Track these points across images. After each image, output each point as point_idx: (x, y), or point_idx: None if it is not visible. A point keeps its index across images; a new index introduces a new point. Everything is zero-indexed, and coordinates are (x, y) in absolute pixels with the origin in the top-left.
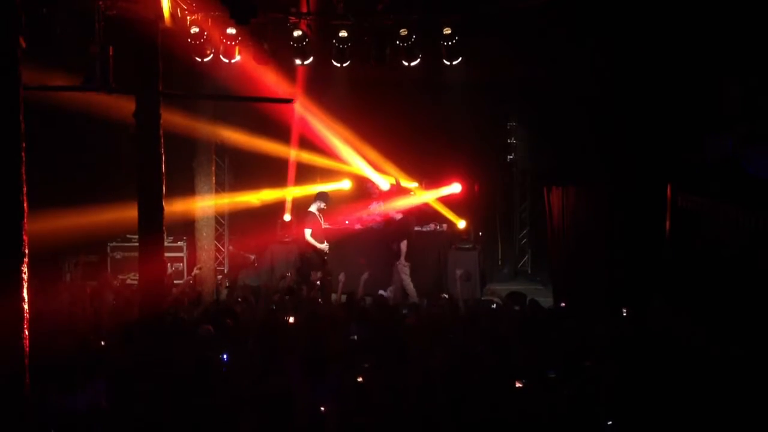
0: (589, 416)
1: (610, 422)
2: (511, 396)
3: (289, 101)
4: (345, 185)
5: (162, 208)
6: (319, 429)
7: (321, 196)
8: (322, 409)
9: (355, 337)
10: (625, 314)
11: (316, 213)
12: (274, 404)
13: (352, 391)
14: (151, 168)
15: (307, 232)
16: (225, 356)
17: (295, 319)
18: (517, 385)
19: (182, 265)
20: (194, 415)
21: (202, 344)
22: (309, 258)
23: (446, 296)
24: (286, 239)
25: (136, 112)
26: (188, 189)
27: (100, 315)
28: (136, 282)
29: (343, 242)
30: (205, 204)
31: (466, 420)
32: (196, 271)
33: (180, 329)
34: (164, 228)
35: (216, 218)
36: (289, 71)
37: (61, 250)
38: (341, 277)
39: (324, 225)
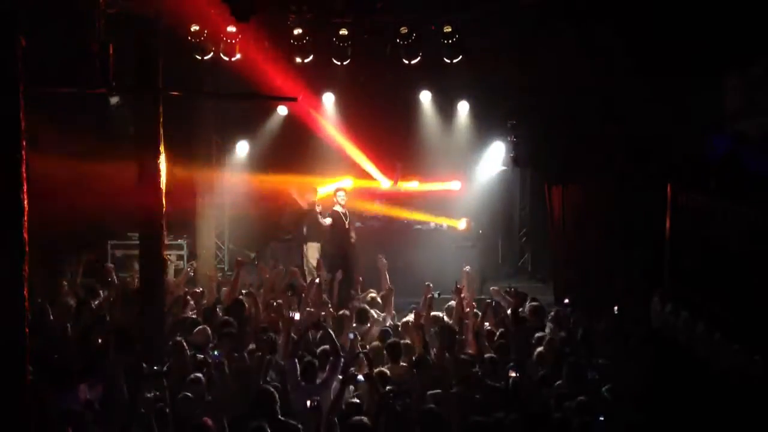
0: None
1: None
2: (510, 396)
3: (292, 99)
4: (347, 183)
5: (162, 206)
6: (315, 426)
7: (338, 191)
8: (308, 403)
9: (354, 335)
10: (617, 311)
11: (341, 211)
12: (272, 401)
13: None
14: (151, 166)
15: (327, 221)
16: (217, 353)
17: (300, 316)
18: (512, 374)
19: (183, 264)
20: (190, 414)
21: (199, 343)
22: (352, 257)
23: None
24: (287, 237)
25: (136, 110)
26: (189, 186)
27: (101, 313)
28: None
29: None
30: (206, 202)
31: (466, 419)
32: (189, 270)
33: (181, 328)
34: (165, 225)
35: (216, 216)
36: (289, 69)
37: (62, 249)
38: (339, 275)
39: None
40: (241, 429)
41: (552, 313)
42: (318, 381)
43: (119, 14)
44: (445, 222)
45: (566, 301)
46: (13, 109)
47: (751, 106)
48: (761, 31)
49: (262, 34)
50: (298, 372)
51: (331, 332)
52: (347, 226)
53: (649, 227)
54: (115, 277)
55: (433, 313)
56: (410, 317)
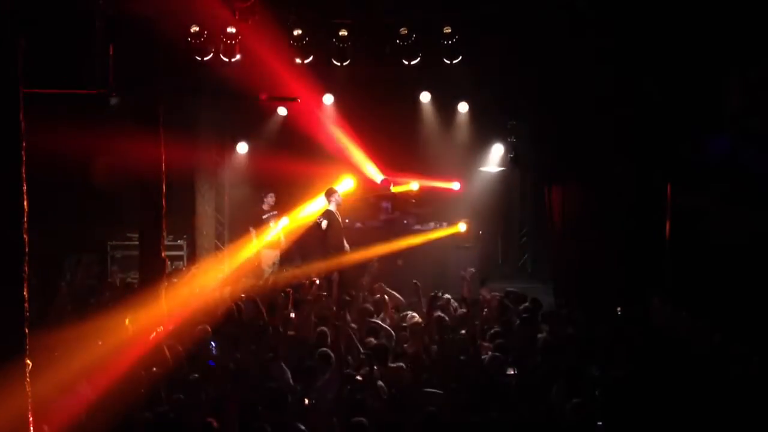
0: (587, 417)
1: (600, 423)
2: (510, 396)
3: (292, 99)
4: (348, 184)
5: (162, 206)
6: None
7: (333, 192)
8: (306, 402)
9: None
10: (619, 313)
11: (335, 211)
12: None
13: (352, 390)
14: (151, 166)
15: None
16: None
17: (296, 316)
18: (510, 371)
19: (182, 264)
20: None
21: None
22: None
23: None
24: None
25: (136, 110)
26: (189, 187)
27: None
28: None
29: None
30: (206, 202)
31: (466, 420)
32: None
33: None
34: (164, 226)
35: (216, 216)
36: (289, 70)
37: (62, 250)
38: (335, 276)
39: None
40: (244, 429)
41: (552, 314)
42: (318, 382)
43: (119, 15)
44: (445, 232)
45: (566, 301)
46: (13, 109)
47: (751, 106)
48: (762, 32)
49: (262, 34)
50: (294, 373)
51: (328, 333)
52: (343, 227)
53: (649, 227)
54: None
55: (435, 314)
56: (414, 318)
